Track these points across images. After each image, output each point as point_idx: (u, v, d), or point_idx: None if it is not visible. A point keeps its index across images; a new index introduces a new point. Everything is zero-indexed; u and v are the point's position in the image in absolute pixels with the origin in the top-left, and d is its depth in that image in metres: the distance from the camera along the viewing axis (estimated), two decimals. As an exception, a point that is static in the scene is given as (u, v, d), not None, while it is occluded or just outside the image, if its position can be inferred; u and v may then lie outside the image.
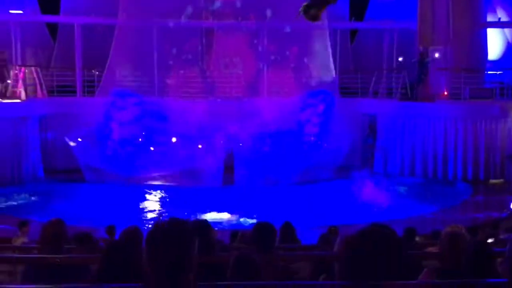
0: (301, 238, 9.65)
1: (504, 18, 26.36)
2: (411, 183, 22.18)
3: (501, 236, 10.59)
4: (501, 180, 21.60)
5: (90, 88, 23.62)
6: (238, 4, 22.26)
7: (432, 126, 22.35)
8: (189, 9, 22.15)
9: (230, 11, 22.75)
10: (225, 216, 16.89)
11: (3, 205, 18.73)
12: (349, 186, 19.92)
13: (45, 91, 22.78)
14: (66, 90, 23.53)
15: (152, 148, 20.75)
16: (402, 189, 21.45)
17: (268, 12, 21.92)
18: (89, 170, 20.97)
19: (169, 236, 3.07)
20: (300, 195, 19.43)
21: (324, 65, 23.59)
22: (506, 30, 26.82)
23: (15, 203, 19.36)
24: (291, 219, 9.70)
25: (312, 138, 22.11)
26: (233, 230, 11.13)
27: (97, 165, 20.78)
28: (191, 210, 16.54)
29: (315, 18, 9.30)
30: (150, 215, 17.48)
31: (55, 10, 25.72)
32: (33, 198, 20.09)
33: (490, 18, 25.56)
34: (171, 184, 20.59)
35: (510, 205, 18.26)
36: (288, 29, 21.74)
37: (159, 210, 18.15)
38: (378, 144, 24.20)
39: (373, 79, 24.62)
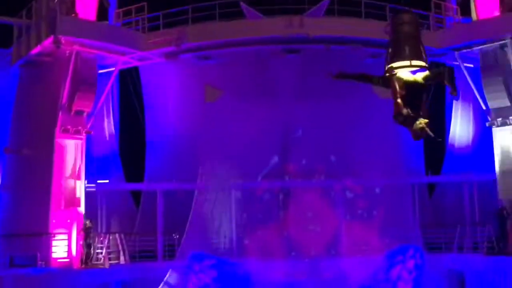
0: None
1: None
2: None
3: None
4: None
5: (170, 252, 23.61)
6: (314, 163, 22.53)
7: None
8: (265, 170, 22.55)
9: (306, 170, 22.97)
10: None
11: None
12: None
13: (127, 257, 22.89)
14: (148, 255, 23.56)
15: None
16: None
17: (340, 173, 22.05)
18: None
19: None
20: None
21: (406, 220, 22.96)
22: None
23: None
24: None
25: None
26: None
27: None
28: None
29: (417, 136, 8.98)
30: None
31: (139, 178, 26.62)
32: None
33: None
34: None
35: None
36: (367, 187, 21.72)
37: None
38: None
39: (457, 233, 23.79)
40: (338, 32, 22.21)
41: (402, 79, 9.20)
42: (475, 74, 23.49)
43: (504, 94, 22.47)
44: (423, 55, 9.44)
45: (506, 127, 22.68)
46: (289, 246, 22.30)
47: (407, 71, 9.25)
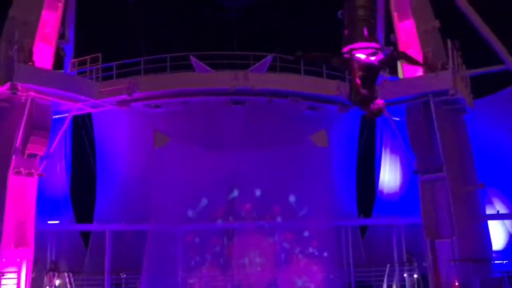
0: None
1: (502, 210, 26.53)
2: None
3: None
4: None
5: (118, 290, 23.32)
6: (257, 207, 22.67)
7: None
8: (213, 212, 22.54)
9: (249, 213, 23.03)
10: None
11: None
12: None
13: (76, 295, 22.45)
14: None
15: None
16: None
17: (282, 215, 22.28)
18: None
19: None
20: None
21: (340, 258, 23.19)
22: (506, 221, 26.82)
23: None
24: None
25: None
26: None
27: None
28: None
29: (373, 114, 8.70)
30: None
31: (89, 219, 26.28)
32: None
33: (489, 211, 25.73)
34: None
35: None
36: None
37: None
38: None
39: (386, 272, 24.26)
40: (279, 86, 22.87)
41: (361, 60, 9.14)
42: (402, 127, 24.27)
43: (427, 145, 23.17)
44: (378, 38, 9.42)
45: (429, 175, 23.30)
46: (233, 284, 22.18)
47: (364, 53, 9.18)
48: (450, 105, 23.70)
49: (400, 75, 25.00)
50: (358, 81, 8.96)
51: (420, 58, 24.07)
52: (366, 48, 9.21)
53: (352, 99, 9.11)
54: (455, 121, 24.52)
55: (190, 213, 21.95)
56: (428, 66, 23.88)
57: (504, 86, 26.93)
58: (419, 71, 24.09)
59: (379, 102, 8.89)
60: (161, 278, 21.55)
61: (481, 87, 26.44)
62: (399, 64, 25.13)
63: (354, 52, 9.15)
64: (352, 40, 9.24)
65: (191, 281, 22.39)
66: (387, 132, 27.99)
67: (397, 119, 24.56)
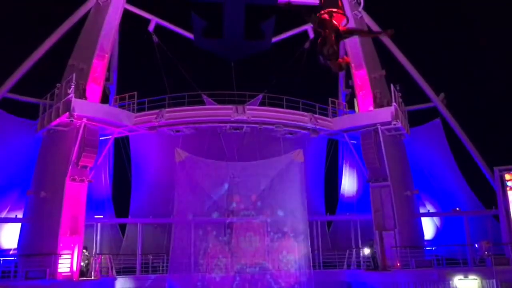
0: None
1: (431, 209, 26.67)
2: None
3: None
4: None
5: (145, 268, 23.06)
6: (249, 205, 22.56)
7: (391, 288, 21.43)
8: (218, 209, 22.39)
9: (243, 210, 22.86)
10: None
11: None
12: None
13: (114, 272, 22.24)
14: (129, 270, 22.95)
15: None
16: None
17: (269, 212, 22.17)
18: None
19: None
20: None
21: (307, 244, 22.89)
22: (434, 218, 26.95)
23: None
24: None
25: None
26: None
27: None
28: None
29: (341, 67, 7.99)
30: None
31: (125, 215, 26.19)
32: None
33: (422, 210, 25.86)
34: None
35: None
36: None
37: None
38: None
39: (346, 255, 24.19)
40: (267, 117, 23.00)
41: (335, 23, 8.50)
42: (358, 148, 24.53)
43: (377, 161, 23.50)
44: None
45: (378, 183, 23.57)
46: (232, 262, 21.94)
47: (335, 19, 8.57)
48: (393, 132, 23.96)
49: (357, 110, 25.28)
50: (333, 37, 8.19)
51: (371, 98, 24.44)
52: (339, 13, 8.71)
53: (325, 53, 8.13)
54: (397, 143, 24.75)
55: (200, 210, 21.80)
56: (377, 103, 24.25)
57: (432, 118, 27.28)
58: (370, 107, 24.40)
59: (346, 58, 8.47)
60: (180, 259, 21.27)
61: (416, 119, 26.79)
62: (355, 102, 25.45)
63: (333, 14, 8.57)
64: (331, 5, 8.72)
65: (201, 261, 22.04)
66: (347, 151, 28.20)
67: (354, 142, 24.76)
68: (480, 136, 26.36)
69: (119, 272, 22.50)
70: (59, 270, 19.84)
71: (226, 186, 22.61)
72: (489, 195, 24.74)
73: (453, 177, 26.38)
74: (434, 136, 26.84)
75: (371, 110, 24.13)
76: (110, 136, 23.16)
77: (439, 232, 26.75)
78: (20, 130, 22.95)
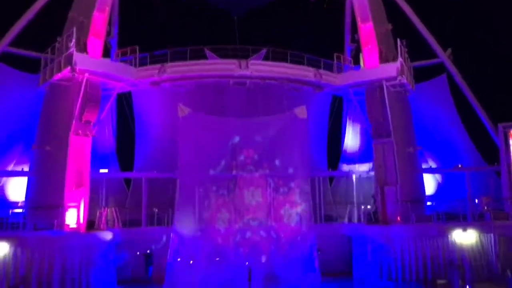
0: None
1: (433, 165, 26.81)
2: (382, 285, 21.36)
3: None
4: (445, 281, 20.65)
5: (151, 221, 23.49)
6: (252, 161, 22.61)
7: (391, 242, 21.89)
8: (222, 164, 22.51)
9: (246, 166, 22.93)
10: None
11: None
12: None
13: (120, 224, 22.73)
14: (135, 223, 23.43)
15: None
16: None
17: (273, 159, 22.19)
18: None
19: None
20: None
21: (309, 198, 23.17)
22: (436, 174, 27.14)
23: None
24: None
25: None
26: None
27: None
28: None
29: None
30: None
31: (130, 169, 26.44)
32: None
33: (424, 166, 25.99)
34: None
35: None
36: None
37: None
38: (354, 256, 23.49)
39: (347, 210, 24.55)
40: (271, 72, 22.75)
41: None
42: (362, 104, 24.34)
43: (381, 117, 23.27)
44: None
45: (381, 139, 23.49)
46: (236, 216, 22.28)
47: None
48: (397, 88, 23.71)
49: (362, 65, 24.93)
50: None
51: (377, 53, 23.96)
52: None
53: None
54: (401, 100, 24.56)
55: (204, 164, 21.88)
56: (382, 58, 23.85)
57: (438, 74, 26.92)
58: (376, 63, 24.02)
59: None
60: (185, 212, 21.59)
61: (421, 75, 26.40)
62: (361, 57, 25.03)
63: None
64: None
65: (205, 214, 22.29)
66: (351, 107, 28.01)
67: (359, 97, 24.47)
68: (485, 93, 26.08)
69: (125, 225, 22.99)
70: (66, 222, 20.27)
71: (229, 142, 22.64)
72: (492, 152, 24.81)
73: (456, 134, 26.35)
74: (439, 92, 26.59)
75: (376, 66, 23.76)
76: (113, 91, 22.97)
77: (440, 188, 27.02)
78: (22, 84, 22.81)
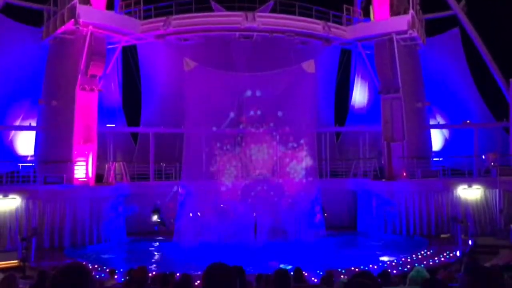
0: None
1: (441, 121, 26.60)
2: (386, 238, 21.76)
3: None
4: (448, 235, 21.02)
5: (159, 175, 23.83)
6: (259, 116, 22.51)
7: (396, 197, 22.15)
8: (228, 120, 22.47)
9: (253, 121, 22.83)
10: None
11: (96, 258, 18.56)
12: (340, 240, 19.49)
13: (128, 178, 23.07)
14: (143, 177, 23.78)
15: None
16: (379, 243, 21.06)
17: (280, 113, 22.06)
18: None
19: (218, 275, 3.06)
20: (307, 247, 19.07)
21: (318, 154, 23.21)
22: (444, 130, 26.99)
23: (105, 256, 19.20)
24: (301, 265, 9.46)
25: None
26: (258, 274, 10.12)
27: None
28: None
29: None
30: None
31: (136, 123, 26.52)
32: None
33: (432, 122, 25.82)
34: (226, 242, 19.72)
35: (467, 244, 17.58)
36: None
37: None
38: (359, 211, 23.85)
39: (353, 165, 24.68)
40: (279, 25, 22.21)
41: None
42: (371, 58, 23.89)
43: (390, 72, 22.92)
44: None
45: (389, 95, 23.28)
46: (242, 170, 22.46)
47: None
48: (408, 42, 23.18)
49: (372, 18, 24.25)
50: None
51: (387, 5, 23.23)
52: None
53: None
54: (411, 54, 24.07)
55: (210, 119, 21.85)
56: (394, 10, 23.15)
57: (450, 27, 26.18)
58: (386, 15, 23.36)
59: None
60: (192, 167, 21.76)
61: (433, 28, 25.69)
62: (371, 10, 24.30)
63: None
64: None
65: (212, 169, 22.47)
66: (359, 61, 27.50)
67: (368, 52, 24.00)
68: (498, 48, 25.41)
69: (133, 179, 23.36)
70: (75, 176, 20.62)
71: (235, 97, 22.47)
72: (501, 108, 24.49)
73: (466, 89, 25.94)
74: (450, 46, 25.94)
75: (386, 18, 23.09)
76: (118, 45, 22.67)
77: (447, 143, 26.93)
78: (25, 37, 22.50)
